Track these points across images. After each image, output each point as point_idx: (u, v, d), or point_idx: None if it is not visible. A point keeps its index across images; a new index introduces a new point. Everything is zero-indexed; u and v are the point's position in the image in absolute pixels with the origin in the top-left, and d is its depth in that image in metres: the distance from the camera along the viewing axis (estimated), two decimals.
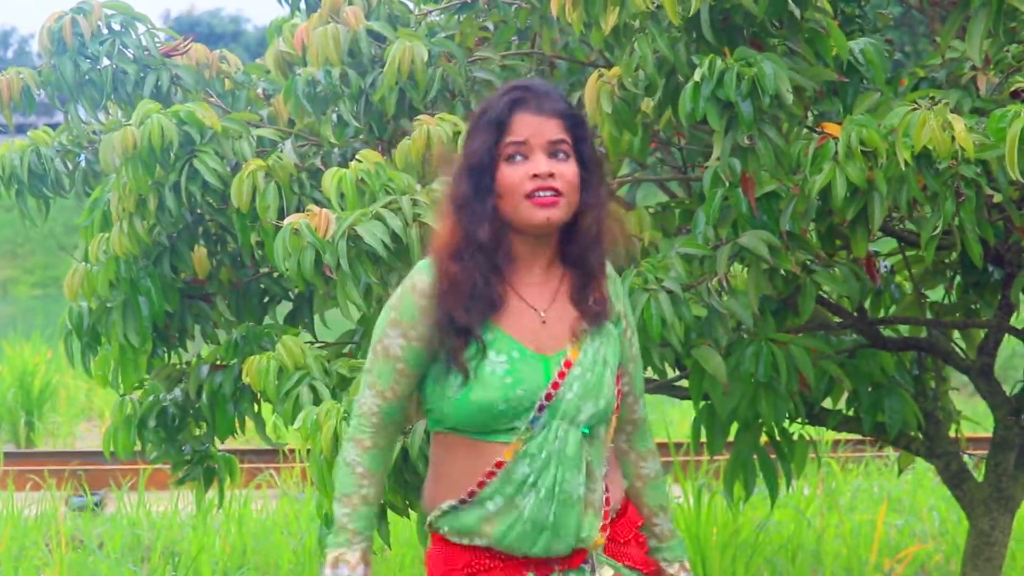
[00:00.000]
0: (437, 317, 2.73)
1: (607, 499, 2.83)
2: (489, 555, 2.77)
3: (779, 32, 3.93)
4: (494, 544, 2.75)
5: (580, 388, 2.74)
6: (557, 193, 2.69)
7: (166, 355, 5.07)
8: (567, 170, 2.71)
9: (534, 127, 2.70)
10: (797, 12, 3.85)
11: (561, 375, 2.74)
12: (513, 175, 2.69)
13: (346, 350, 4.77)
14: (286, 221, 4.01)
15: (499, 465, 2.72)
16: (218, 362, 4.85)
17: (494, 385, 2.70)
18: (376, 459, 2.82)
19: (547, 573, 2.78)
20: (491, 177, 2.71)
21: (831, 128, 3.77)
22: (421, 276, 2.77)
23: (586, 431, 2.75)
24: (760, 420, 4.31)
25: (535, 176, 2.68)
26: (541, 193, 2.69)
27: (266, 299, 5.16)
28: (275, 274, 4.98)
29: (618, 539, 2.88)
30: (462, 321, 2.70)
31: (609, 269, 2.88)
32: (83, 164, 5.22)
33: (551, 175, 2.69)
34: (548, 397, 2.72)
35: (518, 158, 2.70)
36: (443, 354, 2.73)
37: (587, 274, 2.79)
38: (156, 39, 5.00)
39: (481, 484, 2.74)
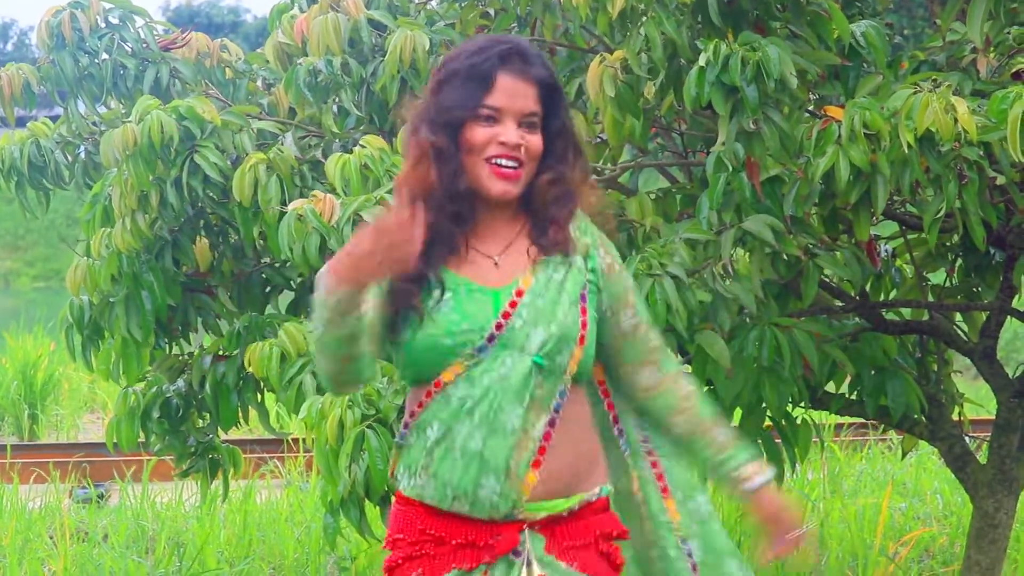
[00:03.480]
0: None
1: (546, 437, 2.70)
2: (430, 524, 2.70)
3: (783, 15, 3.93)
4: (436, 495, 2.68)
5: (529, 314, 2.70)
6: (519, 164, 2.70)
7: (168, 348, 5.07)
8: (533, 142, 2.71)
9: (514, 92, 2.69)
10: None
11: (512, 304, 2.70)
12: (482, 135, 2.69)
13: None
14: (291, 206, 4.01)
15: (437, 385, 2.68)
16: (221, 352, 4.85)
17: (439, 322, 2.67)
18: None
19: (477, 562, 2.69)
20: (459, 131, 2.70)
21: (833, 111, 3.77)
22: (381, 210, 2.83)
23: (539, 360, 2.68)
24: (763, 404, 4.31)
25: (502, 143, 2.69)
26: (503, 161, 2.69)
27: (268, 289, 5.16)
28: (277, 264, 4.98)
29: (576, 540, 2.75)
30: (418, 267, 2.66)
31: (594, 229, 2.83)
32: (83, 156, 5.22)
33: (518, 146, 2.69)
34: (498, 327, 2.68)
35: (488, 120, 2.69)
36: (399, 298, 2.69)
37: (547, 219, 2.76)
38: (154, 32, 5.00)
39: (420, 405, 2.70)
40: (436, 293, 2.69)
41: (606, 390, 2.90)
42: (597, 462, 2.81)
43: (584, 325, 2.75)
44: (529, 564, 2.70)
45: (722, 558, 2.97)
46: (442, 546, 2.70)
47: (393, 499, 2.82)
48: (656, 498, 2.89)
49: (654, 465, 2.90)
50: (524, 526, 2.70)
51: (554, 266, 2.75)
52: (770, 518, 2.90)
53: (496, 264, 2.74)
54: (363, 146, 4.13)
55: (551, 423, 2.70)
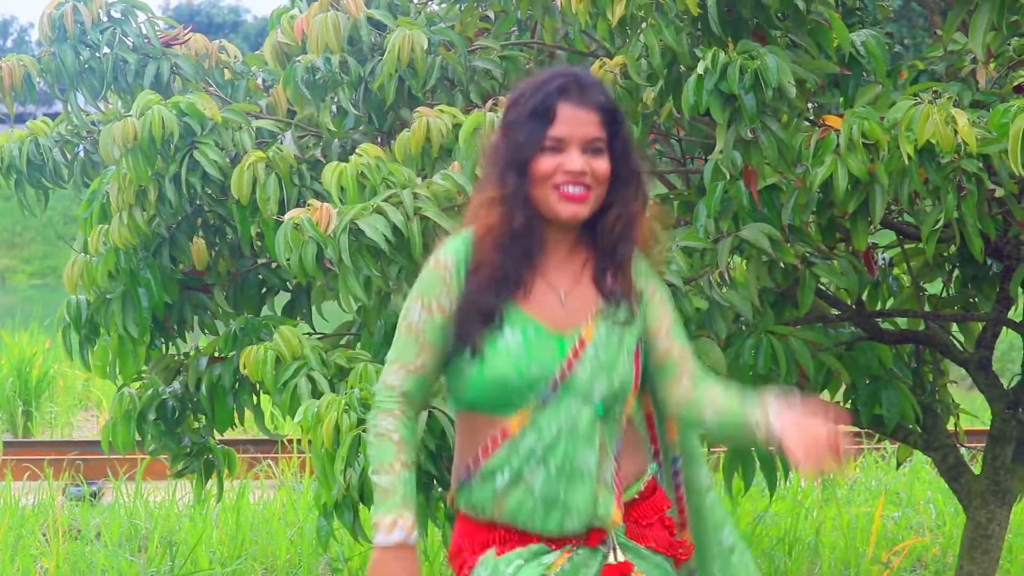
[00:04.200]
0: (464, 296, 2.79)
1: (618, 477, 2.83)
2: (506, 529, 2.81)
3: (783, 24, 3.93)
4: (508, 520, 2.79)
5: (593, 366, 2.77)
6: (587, 188, 2.76)
7: (164, 346, 5.06)
8: (599, 167, 2.77)
9: (574, 121, 2.76)
10: (802, 5, 3.85)
11: (575, 353, 2.77)
12: (547, 165, 2.76)
13: (343, 341, 4.77)
14: (287, 216, 4.01)
15: (504, 434, 2.77)
16: (216, 354, 4.84)
17: (508, 361, 2.75)
18: (408, 428, 2.83)
19: (561, 546, 2.81)
20: (528, 167, 2.77)
21: (832, 121, 3.77)
22: (446, 253, 2.83)
23: (600, 410, 2.78)
24: None
25: (568, 171, 2.75)
26: (570, 187, 2.76)
27: (264, 290, 5.15)
28: (273, 265, 4.98)
29: (641, 521, 2.89)
30: (487, 304, 2.76)
31: (645, 265, 2.92)
32: (81, 155, 5.21)
33: (583, 173, 2.75)
34: (562, 376, 2.76)
35: (554, 149, 2.76)
36: (461, 332, 2.78)
37: (611, 261, 2.84)
38: (156, 28, 5.00)
39: (485, 451, 2.78)
40: (505, 330, 2.77)
41: (651, 423, 3.03)
42: (640, 447, 2.97)
43: (637, 375, 2.86)
44: (616, 550, 2.83)
45: None
46: (525, 539, 2.82)
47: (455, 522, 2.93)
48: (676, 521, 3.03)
49: (679, 500, 3.04)
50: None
51: (615, 316, 2.82)
52: (800, 442, 2.73)
53: (562, 302, 2.81)
54: (360, 154, 4.13)
55: (618, 466, 2.84)
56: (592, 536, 2.82)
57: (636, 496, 2.90)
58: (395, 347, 2.85)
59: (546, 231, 2.81)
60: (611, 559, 2.82)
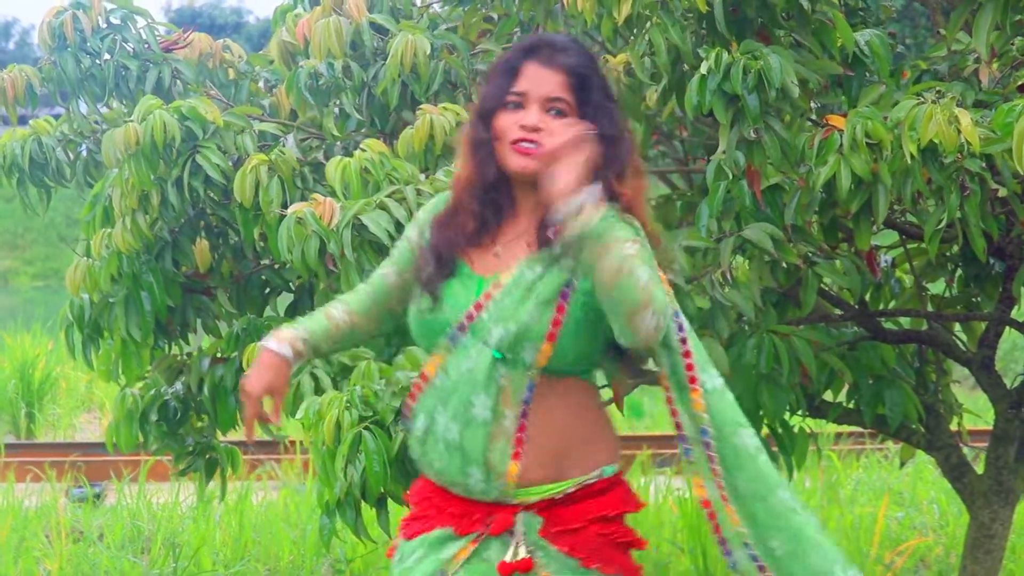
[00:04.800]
0: (431, 244, 2.89)
1: (521, 431, 2.77)
2: (428, 483, 2.91)
3: (787, 24, 3.94)
4: (426, 468, 2.88)
5: (495, 310, 2.79)
6: (539, 145, 2.77)
7: (167, 348, 5.07)
8: (555, 126, 2.78)
9: (537, 79, 2.80)
10: (807, 4, 3.85)
11: (487, 296, 2.80)
12: (507, 120, 2.81)
13: None
14: (291, 209, 4.01)
15: (424, 377, 2.85)
16: (219, 355, 4.85)
17: (432, 300, 2.85)
18: (338, 308, 3.00)
19: (467, 531, 2.82)
20: (491, 120, 2.83)
21: (836, 120, 3.77)
22: (436, 202, 2.97)
23: (497, 354, 2.77)
24: (761, 412, 4.31)
25: (522, 127, 2.78)
26: (524, 143, 2.79)
27: (267, 291, 5.16)
28: (276, 266, 4.98)
29: (569, 524, 2.80)
30: (440, 246, 2.87)
31: (625, 225, 2.77)
32: (84, 154, 5.21)
33: (536, 129, 2.78)
34: (469, 317, 2.80)
35: (515, 107, 2.81)
36: (419, 278, 2.88)
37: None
38: (156, 33, 5.00)
39: (412, 396, 2.88)
40: (446, 275, 2.86)
41: (670, 397, 2.88)
42: (594, 445, 2.85)
43: (556, 323, 2.78)
44: (518, 545, 2.79)
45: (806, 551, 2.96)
46: (442, 513, 2.86)
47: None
48: (716, 499, 2.85)
49: (719, 486, 2.85)
50: (520, 509, 2.80)
51: (538, 264, 2.80)
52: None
53: (496, 253, 2.85)
54: (363, 149, 4.13)
55: (523, 415, 2.78)
56: (499, 517, 2.79)
57: (560, 496, 2.80)
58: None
59: (514, 188, 2.85)
60: (508, 556, 2.78)
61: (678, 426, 2.86)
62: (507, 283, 2.80)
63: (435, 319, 2.83)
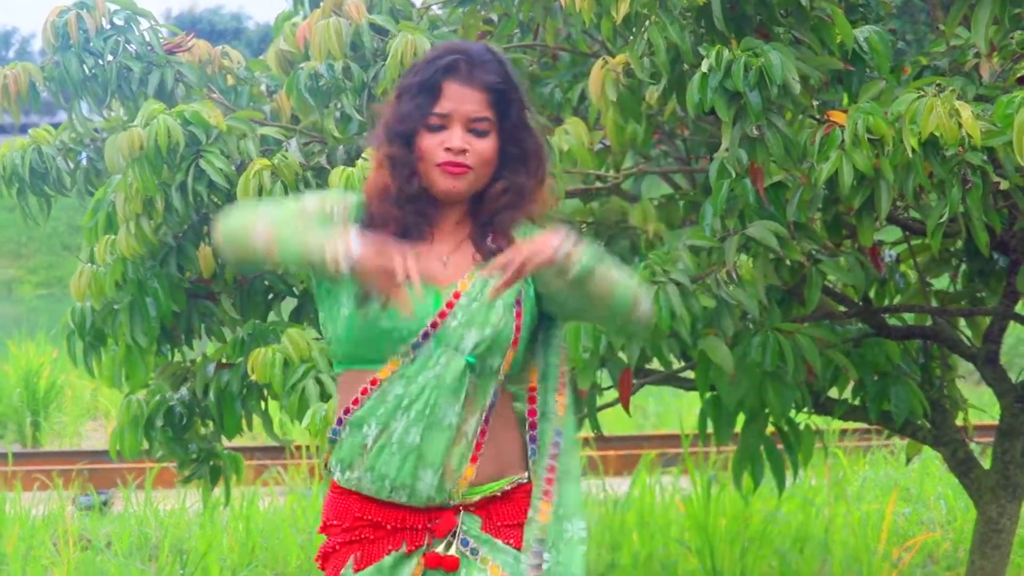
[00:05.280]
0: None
1: (482, 436, 2.81)
2: (365, 511, 2.80)
3: (786, 20, 3.93)
4: (369, 478, 2.79)
5: (464, 316, 2.79)
6: (466, 167, 2.79)
7: (171, 354, 5.07)
8: (482, 147, 2.80)
9: (459, 100, 2.79)
10: (805, 1, 3.85)
11: (449, 305, 2.80)
12: (431, 143, 2.79)
13: None
14: None
15: (374, 383, 2.79)
16: (224, 360, 4.85)
17: (384, 308, 2.75)
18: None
19: (415, 545, 2.80)
20: (413, 140, 2.81)
21: (837, 116, 3.77)
22: (346, 199, 2.88)
23: (471, 360, 2.78)
24: (767, 410, 4.31)
25: (448, 149, 2.79)
26: (450, 165, 2.79)
27: (271, 296, 5.16)
28: (280, 271, 4.97)
29: (510, 520, 2.85)
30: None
31: (536, 231, 2.86)
32: (84, 163, 5.21)
33: (463, 151, 2.79)
34: (434, 325, 2.78)
35: (439, 127, 2.80)
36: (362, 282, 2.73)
37: (493, 230, 2.86)
38: (159, 35, 5.00)
39: (356, 402, 2.80)
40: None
41: (534, 396, 2.96)
42: (520, 447, 2.92)
43: (518, 329, 2.84)
44: (463, 543, 2.81)
45: None
46: (379, 530, 2.82)
47: (327, 489, 2.91)
48: (537, 496, 2.91)
49: (551, 470, 2.92)
50: (460, 509, 2.83)
51: (491, 274, 2.79)
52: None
53: (444, 263, 2.84)
54: (366, 158, 4.14)
55: (486, 420, 2.83)
56: (443, 519, 2.79)
57: (499, 494, 2.85)
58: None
59: (436, 203, 2.84)
60: (440, 549, 2.80)
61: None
62: (470, 290, 2.81)
63: (392, 327, 2.77)
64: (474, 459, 2.81)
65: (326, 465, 2.91)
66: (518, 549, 2.85)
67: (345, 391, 2.85)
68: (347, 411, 2.82)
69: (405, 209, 2.81)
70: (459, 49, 2.84)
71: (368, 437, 2.79)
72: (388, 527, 2.81)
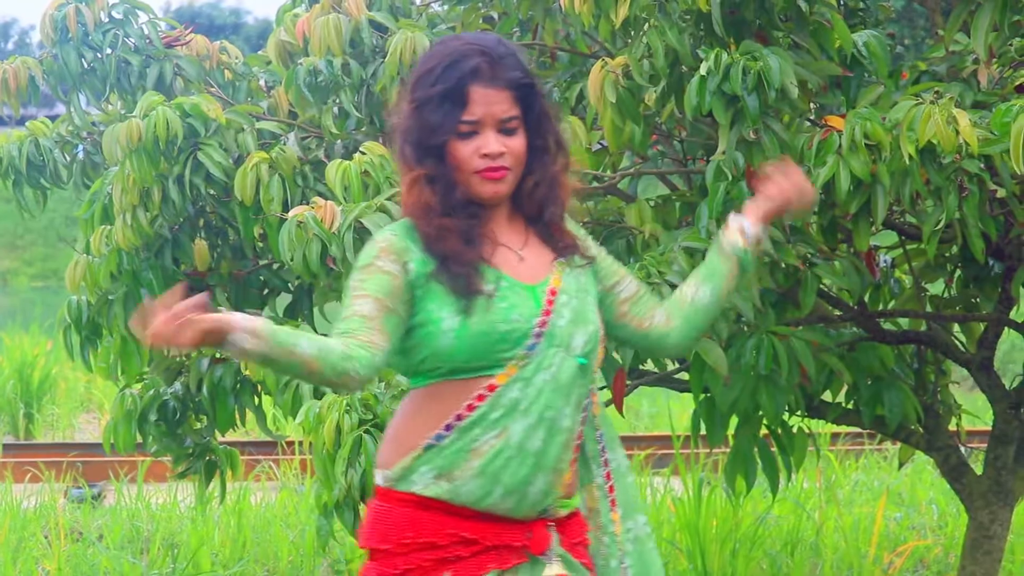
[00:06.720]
0: (435, 263, 2.73)
1: (579, 438, 2.81)
2: (456, 527, 2.71)
3: (785, 25, 3.94)
4: (469, 488, 2.70)
5: (570, 314, 2.77)
6: (505, 168, 2.76)
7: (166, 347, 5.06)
8: (515, 145, 2.76)
9: (487, 103, 2.74)
10: (805, 6, 3.85)
11: (549, 302, 2.76)
12: (465, 151, 2.74)
13: None
14: (291, 213, 4.01)
15: (491, 388, 2.71)
16: (218, 355, 4.84)
17: (491, 314, 2.71)
18: (319, 340, 2.65)
19: (511, 562, 2.74)
20: (445, 150, 2.76)
21: (834, 121, 3.78)
22: (386, 234, 2.78)
23: (583, 360, 2.77)
24: (760, 413, 4.31)
25: (485, 155, 2.74)
26: (489, 170, 2.75)
27: (266, 291, 5.16)
28: (275, 266, 4.98)
29: (576, 537, 2.84)
30: (465, 257, 2.72)
31: (573, 225, 2.92)
32: (81, 156, 5.21)
33: (501, 154, 2.75)
34: (542, 324, 2.74)
35: (470, 134, 2.74)
36: (451, 288, 2.71)
37: (547, 222, 2.84)
38: (158, 29, 5.00)
39: (470, 408, 2.71)
40: (488, 283, 2.73)
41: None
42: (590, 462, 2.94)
43: (602, 325, 2.85)
44: (554, 562, 2.77)
45: None
46: (473, 546, 2.73)
47: (376, 500, 2.81)
48: (607, 509, 2.93)
49: (608, 476, 2.95)
50: (550, 523, 2.79)
51: (575, 268, 2.83)
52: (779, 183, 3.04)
53: (521, 258, 2.80)
54: (363, 152, 4.14)
55: (583, 421, 2.83)
56: (538, 534, 2.76)
57: (572, 510, 2.85)
58: (342, 316, 2.75)
59: (482, 205, 2.79)
60: (548, 572, 2.76)
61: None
62: (566, 287, 2.79)
63: (504, 331, 2.70)
64: (573, 461, 2.80)
65: (393, 481, 2.77)
66: (587, 568, 2.84)
67: (448, 400, 2.72)
68: (459, 417, 2.71)
69: (457, 218, 2.75)
70: (477, 48, 2.76)
71: (481, 442, 2.70)
72: (484, 544, 2.73)
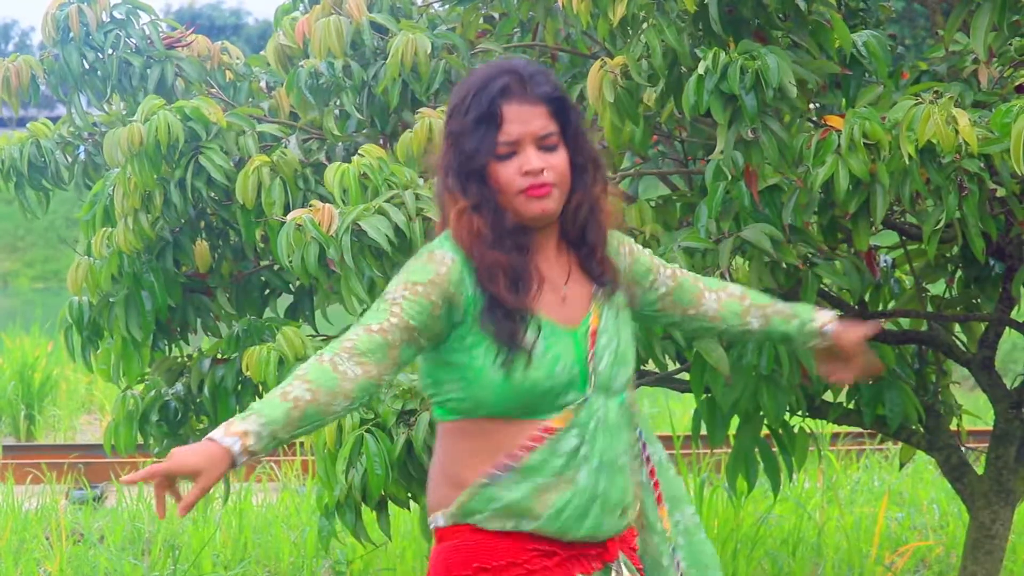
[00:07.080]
0: (483, 304, 2.69)
1: (648, 459, 2.89)
2: (534, 544, 2.72)
3: (784, 24, 3.94)
4: (544, 526, 2.71)
5: (610, 356, 2.76)
6: (550, 185, 2.70)
7: (167, 348, 5.07)
8: (557, 161, 2.71)
9: (523, 121, 2.69)
10: (803, 5, 3.85)
11: (591, 345, 2.74)
12: (507, 173, 2.69)
13: None
14: (290, 216, 4.02)
15: (548, 431, 2.70)
16: (220, 356, 4.85)
17: (537, 363, 2.68)
18: (324, 374, 2.59)
19: (590, 569, 2.77)
20: (486, 175, 2.70)
21: (833, 121, 3.78)
22: (443, 250, 2.72)
23: (622, 400, 2.78)
24: (761, 413, 4.31)
25: (527, 173, 2.68)
26: (534, 188, 2.69)
27: (267, 292, 5.16)
28: (276, 267, 4.98)
29: (629, 544, 2.87)
30: (512, 303, 2.68)
31: (617, 235, 2.90)
32: (82, 157, 5.22)
33: (542, 170, 2.69)
34: (592, 370, 2.74)
35: (509, 155, 2.69)
36: (495, 338, 2.67)
37: (590, 248, 2.80)
38: (159, 30, 5.00)
39: (526, 448, 2.69)
40: (530, 333, 2.69)
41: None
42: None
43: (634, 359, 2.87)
44: (623, 568, 2.81)
45: (706, 571, 3.00)
46: (551, 558, 2.74)
47: (441, 541, 2.78)
48: (653, 506, 2.94)
49: (652, 473, 2.95)
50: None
51: (610, 300, 2.81)
52: (849, 349, 3.07)
53: (563, 296, 2.77)
54: (362, 155, 4.14)
55: (636, 455, 2.87)
56: (610, 547, 2.79)
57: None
58: (366, 314, 2.71)
59: (531, 232, 2.74)
60: None
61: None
62: (604, 326, 2.77)
63: (548, 386, 2.68)
64: (637, 487, 2.85)
65: (452, 516, 2.75)
66: (639, 572, 2.86)
67: (497, 438, 2.71)
68: (514, 457, 2.70)
69: (506, 251, 2.68)
70: (504, 69, 2.72)
71: (549, 490, 2.70)
72: (561, 554, 2.75)
